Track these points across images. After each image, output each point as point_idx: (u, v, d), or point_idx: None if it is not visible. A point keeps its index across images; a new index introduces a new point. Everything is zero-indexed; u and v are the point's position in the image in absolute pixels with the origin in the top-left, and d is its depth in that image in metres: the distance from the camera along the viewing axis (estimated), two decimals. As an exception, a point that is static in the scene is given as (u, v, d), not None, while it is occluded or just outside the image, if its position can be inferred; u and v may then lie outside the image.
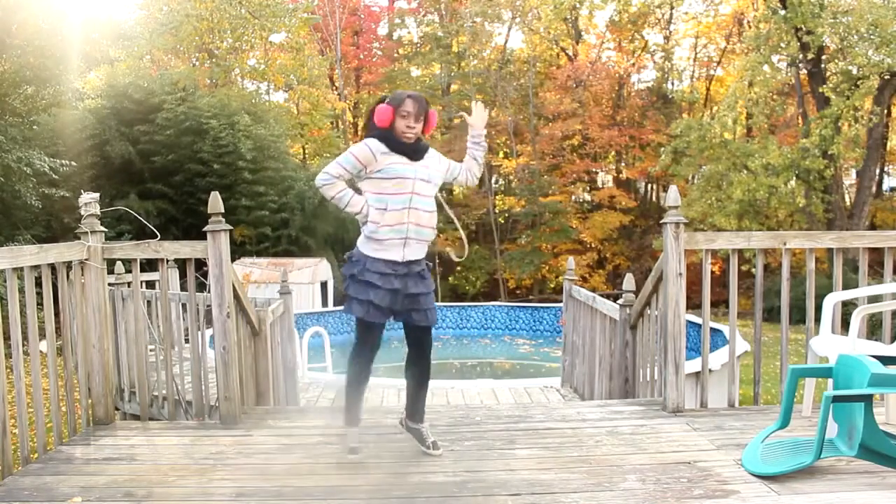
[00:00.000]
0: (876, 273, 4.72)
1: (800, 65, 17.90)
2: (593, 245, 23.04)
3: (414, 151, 2.95)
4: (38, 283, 3.11)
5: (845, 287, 3.77)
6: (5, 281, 3.05)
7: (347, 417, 3.12)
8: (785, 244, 3.79)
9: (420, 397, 3.16)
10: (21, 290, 3.00)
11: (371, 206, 2.91)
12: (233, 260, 3.85)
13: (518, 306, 15.36)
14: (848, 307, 3.94)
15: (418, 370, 3.13)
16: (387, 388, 6.79)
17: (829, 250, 3.87)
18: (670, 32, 25.29)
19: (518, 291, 23.18)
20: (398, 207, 2.88)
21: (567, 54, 26.03)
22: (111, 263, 4.20)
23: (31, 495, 2.65)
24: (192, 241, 3.65)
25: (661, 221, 3.74)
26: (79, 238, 3.52)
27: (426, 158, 2.99)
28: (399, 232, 2.89)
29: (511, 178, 25.15)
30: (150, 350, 4.94)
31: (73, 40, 11.67)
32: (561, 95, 24.10)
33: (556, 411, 3.90)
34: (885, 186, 22.80)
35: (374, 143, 2.91)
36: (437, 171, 3.05)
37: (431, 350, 3.12)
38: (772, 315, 6.02)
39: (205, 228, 3.57)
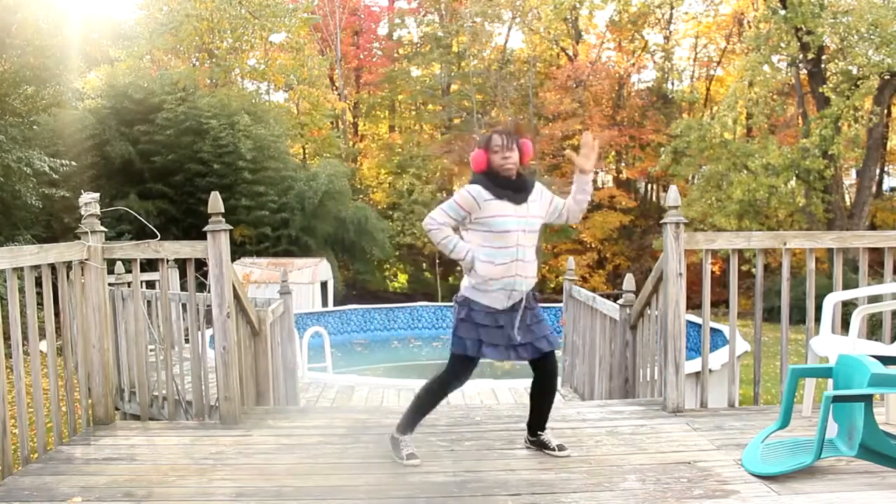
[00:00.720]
0: (876, 273, 4.71)
1: (800, 65, 17.90)
2: (593, 245, 23.06)
3: (517, 190, 2.90)
4: (38, 283, 3.11)
5: (845, 287, 3.77)
6: (5, 281, 3.06)
7: (403, 427, 3.07)
8: (785, 244, 3.79)
9: (543, 414, 3.13)
10: (21, 290, 3.00)
11: (478, 258, 2.89)
12: (233, 260, 3.85)
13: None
14: (848, 307, 3.94)
15: (544, 395, 3.10)
16: (387, 389, 6.79)
17: (829, 250, 3.87)
18: (670, 32, 25.31)
19: (518, 291, 23.15)
20: (506, 261, 2.86)
21: (567, 54, 26.05)
22: (111, 263, 4.20)
23: (31, 495, 2.65)
24: (192, 241, 3.65)
25: (661, 221, 3.74)
26: (79, 238, 3.52)
27: (530, 200, 2.94)
28: (506, 285, 2.89)
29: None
30: (150, 350, 4.94)
31: (73, 40, 11.68)
32: (561, 95, 24.11)
33: (556, 411, 3.89)
34: (885, 186, 22.81)
35: (475, 189, 2.87)
36: (540, 213, 2.99)
37: (555, 369, 3.07)
38: (772, 315, 6.02)
39: (205, 228, 3.57)
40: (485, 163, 2.92)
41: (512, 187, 2.90)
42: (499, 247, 2.86)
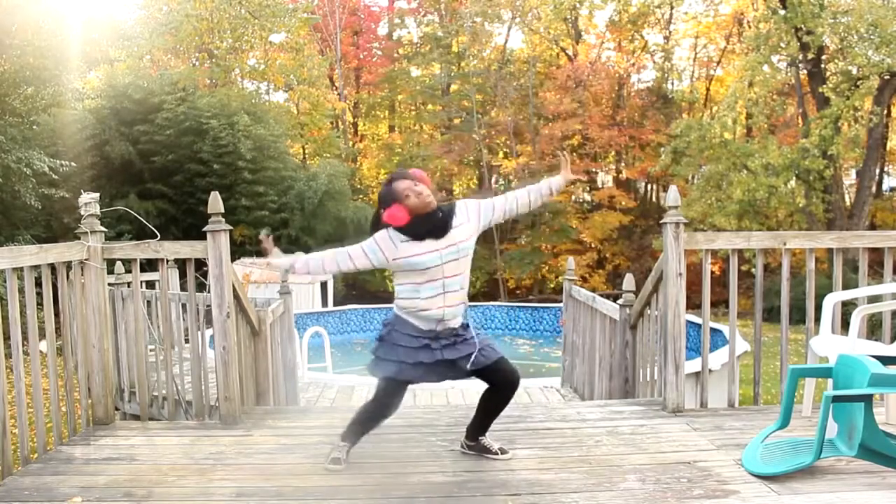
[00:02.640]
0: (876, 273, 4.71)
1: (800, 65, 17.90)
2: (593, 245, 23.03)
3: (439, 227, 2.80)
4: (38, 283, 3.11)
5: (845, 287, 3.77)
6: (5, 281, 3.06)
7: (346, 435, 2.99)
8: (785, 244, 3.79)
9: (489, 422, 3.06)
10: (21, 290, 3.00)
11: (404, 295, 2.86)
12: (233, 260, 3.85)
13: (518, 306, 15.37)
14: (848, 307, 3.94)
15: (498, 403, 3.01)
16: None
17: (829, 250, 3.87)
18: (670, 32, 25.28)
19: (518, 291, 23.18)
20: (431, 295, 2.81)
21: (567, 54, 26.03)
22: (111, 263, 4.20)
23: (31, 495, 2.65)
24: (192, 241, 3.65)
25: (661, 221, 3.74)
26: (79, 238, 3.52)
27: (454, 226, 2.83)
28: (433, 314, 2.83)
29: (511, 178, 25.17)
30: (150, 350, 4.94)
31: (73, 40, 11.65)
32: (561, 95, 24.08)
33: (556, 411, 3.91)
34: (885, 186, 22.80)
35: (393, 231, 2.81)
36: (469, 234, 2.88)
37: (514, 370, 2.96)
38: (772, 315, 6.01)
39: (205, 228, 3.57)
40: (406, 214, 2.76)
41: (433, 225, 2.79)
42: (423, 281, 2.81)
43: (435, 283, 2.81)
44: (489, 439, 3.06)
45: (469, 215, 2.91)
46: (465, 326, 2.95)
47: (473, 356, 2.85)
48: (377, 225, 2.87)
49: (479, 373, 2.91)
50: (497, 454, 3.00)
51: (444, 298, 2.83)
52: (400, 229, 2.81)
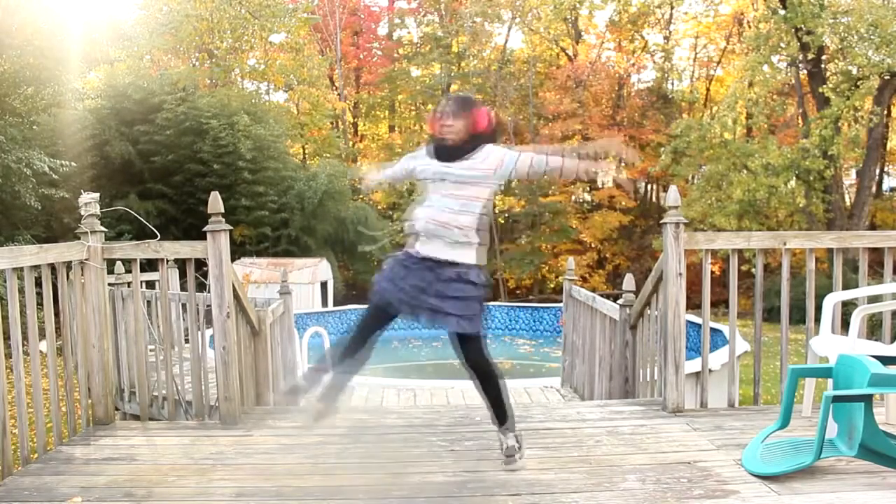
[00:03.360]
0: (876, 273, 4.71)
1: (800, 65, 17.90)
2: (593, 245, 23.05)
3: (451, 154, 2.92)
4: (38, 283, 3.11)
5: (845, 287, 3.77)
6: (5, 281, 3.06)
7: (331, 357, 3.03)
8: (785, 244, 3.79)
9: (489, 402, 2.98)
10: (21, 290, 3.00)
11: (414, 209, 3.03)
12: (233, 260, 3.85)
13: (518, 306, 15.36)
14: (848, 307, 3.94)
15: (470, 376, 2.97)
16: (387, 388, 6.79)
17: (829, 250, 3.88)
18: (670, 32, 25.30)
19: (518, 291, 23.18)
20: (425, 206, 2.94)
21: (567, 54, 26.03)
22: (111, 263, 4.20)
23: (31, 495, 2.65)
24: (192, 241, 3.65)
25: (661, 221, 3.74)
26: (79, 238, 3.52)
27: (466, 160, 2.90)
28: (418, 225, 2.91)
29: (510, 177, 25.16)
30: (150, 350, 4.93)
31: (73, 40, 11.65)
32: (561, 95, 24.09)
33: (556, 411, 3.91)
34: (885, 186, 22.81)
35: (427, 147, 3.06)
36: (473, 168, 2.90)
37: (476, 359, 2.90)
38: (772, 315, 6.01)
39: (205, 228, 3.57)
40: (432, 126, 3.00)
41: (447, 151, 2.95)
42: (425, 194, 2.97)
43: (431, 195, 2.94)
44: (503, 435, 2.93)
45: (488, 157, 2.94)
46: (460, 279, 2.85)
47: (434, 312, 2.84)
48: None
49: (450, 337, 2.92)
50: (501, 452, 2.89)
51: (431, 211, 2.90)
52: (429, 146, 3.05)
